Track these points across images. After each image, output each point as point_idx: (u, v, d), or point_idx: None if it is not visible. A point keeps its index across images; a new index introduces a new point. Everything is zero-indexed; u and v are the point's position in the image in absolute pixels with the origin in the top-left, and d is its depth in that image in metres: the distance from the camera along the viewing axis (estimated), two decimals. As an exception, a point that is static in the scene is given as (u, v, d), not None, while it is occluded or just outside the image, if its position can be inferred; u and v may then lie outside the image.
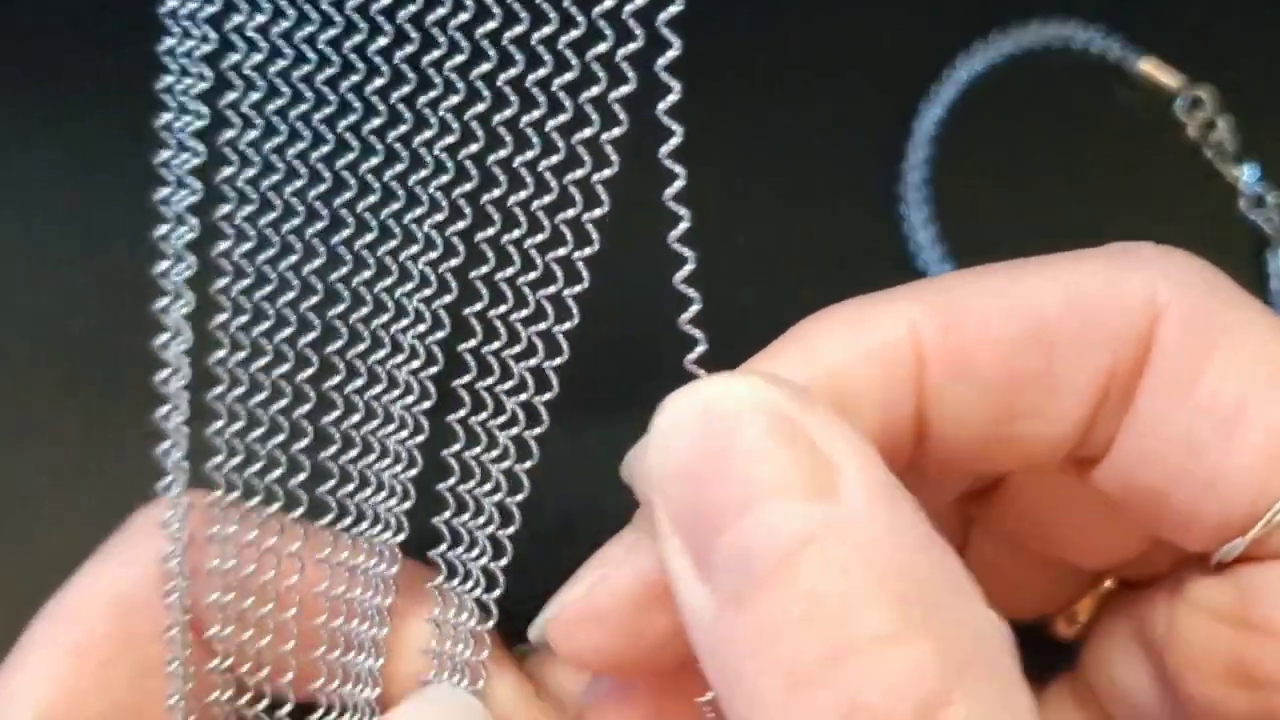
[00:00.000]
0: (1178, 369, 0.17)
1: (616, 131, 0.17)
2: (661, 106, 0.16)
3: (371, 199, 0.20)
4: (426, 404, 0.20)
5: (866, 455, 0.15)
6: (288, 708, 0.21)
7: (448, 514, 0.20)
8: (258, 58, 0.20)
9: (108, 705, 0.20)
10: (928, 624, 0.14)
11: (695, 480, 0.15)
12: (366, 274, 0.20)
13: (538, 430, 0.19)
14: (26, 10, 0.35)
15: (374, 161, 0.19)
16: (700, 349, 0.17)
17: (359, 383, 0.20)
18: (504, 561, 0.20)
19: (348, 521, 0.21)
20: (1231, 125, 0.32)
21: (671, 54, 0.16)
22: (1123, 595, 0.21)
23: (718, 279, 0.32)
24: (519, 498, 0.19)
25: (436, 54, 0.18)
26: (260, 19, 0.19)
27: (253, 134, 0.20)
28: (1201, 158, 0.33)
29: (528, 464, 0.19)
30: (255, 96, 0.20)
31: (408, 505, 0.20)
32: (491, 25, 0.18)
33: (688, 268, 0.17)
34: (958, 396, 0.17)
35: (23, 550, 0.31)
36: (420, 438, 0.20)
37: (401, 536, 0.21)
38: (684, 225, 0.17)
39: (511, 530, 0.20)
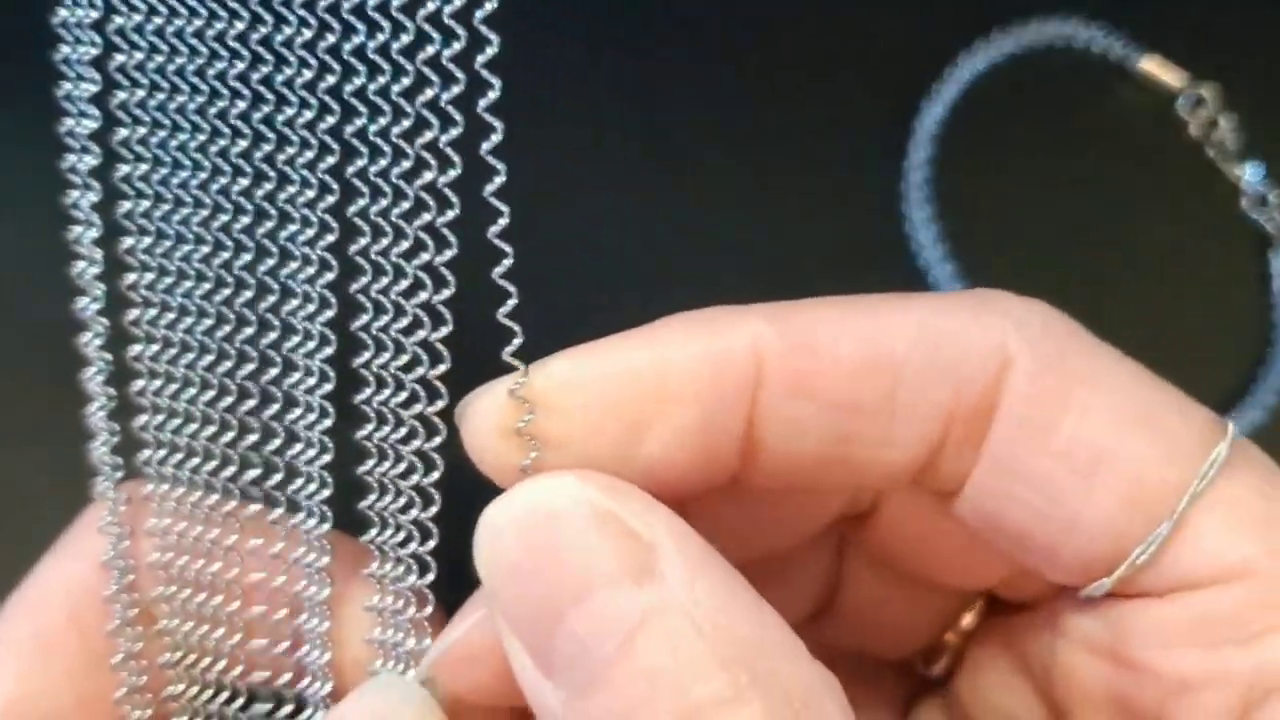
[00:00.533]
0: (1030, 415, 0.17)
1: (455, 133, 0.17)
2: (483, 103, 0.17)
3: (267, 188, 0.20)
4: (328, 387, 0.20)
5: (681, 531, 0.16)
6: (239, 701, 0.21)
7: (370, 500, 0.20)
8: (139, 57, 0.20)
9: (70, 698, 0.20)
10: (755, 685, 0.15)
11: (524, 581, 0.16)
12: (268, 260, 0.20)
13: (439, 406, 0.19)
14: (26, 9, 0.35)
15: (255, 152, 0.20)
16: (517, 341, 0.17)
17: (272, 372, 0.20)
18: (431, 545, 0.19)
19: (277, 513, 0.21)
20: (1234, 124, 0.32)
21: (491, 51, 0.16)
22: (1002, 624, 0.21)
23: (719, 278, 0.32)
24: (433, 477, 0.19)
25: (287, 72, 0.19)
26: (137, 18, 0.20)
27: (143, 130, 0.20)
28: (1204, 157, 0.33)
29: (436, 441, 0.19)
30: (141, 94, 0.20)
31: (327, 493, 0.20)
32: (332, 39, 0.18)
33: (506, 262, 0.17)
34: (794, 413, 0.17)
35: (23, 550, 0.31)
36: (327, 422, 0.20)
37: (326, 526, 0.20)
38: (503, 221, 0.17)
39: (433, 512, 0.19)
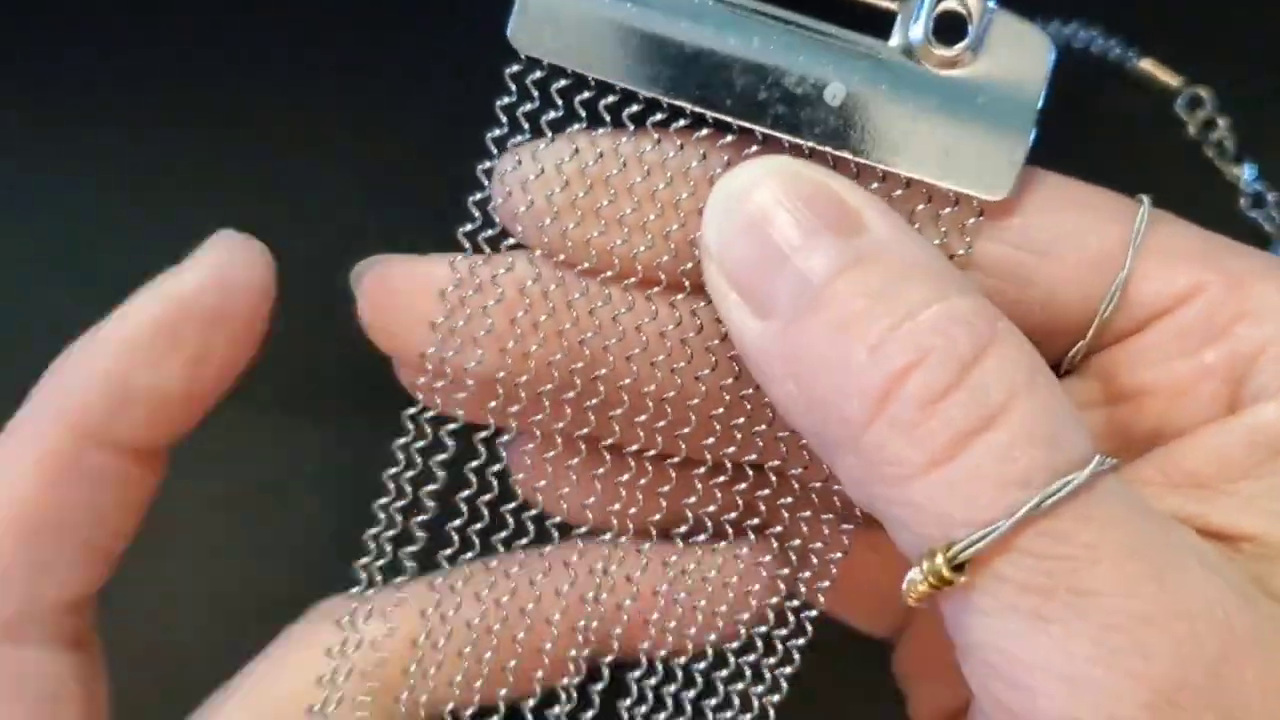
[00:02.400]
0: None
1: None
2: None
3: None
4: None
5: (881, 205, 0.19)
6: None
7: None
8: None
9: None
10: (963, 289, 0.18)
11: (753, 234, 0.19)
12: None
13: None
14: (27, 9, 0.35)
15: None
16: None
17: None
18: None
19: None
20: (1231, 124, 0.33)
21: None
22: None
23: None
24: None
25: None
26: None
27: None
28: (1201, 157, 0.33)
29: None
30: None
31: None
32: None
33: None
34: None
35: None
36: None
37: None
38: None
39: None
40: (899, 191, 0.20)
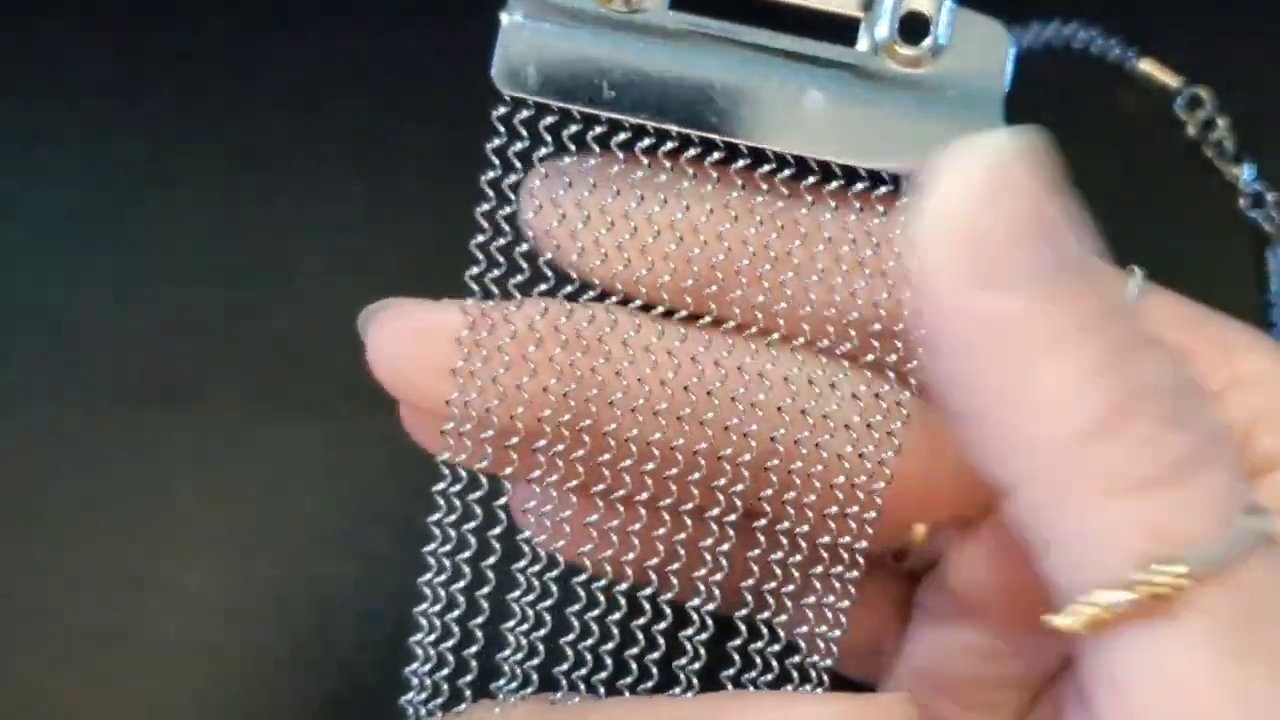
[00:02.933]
0: None
1: None
2: None
3: None
4: None
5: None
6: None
7: None
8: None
9: None
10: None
11: (1009, 203, 0.17)
12: None
13: None
14: (27, 8, 0.35)
15: None
16: None
17: None
18: None
19: None
20: (1230, 124, 0.33)
21: None
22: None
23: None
24: None
25: None
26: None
27: None
28: (1201, 157, 0.33)
29: None
30: None
31: None
32: None
33: None
34: None
35: (32, 547, 0.31)
36: None
37: None
38: None
39: None
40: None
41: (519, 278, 0.20)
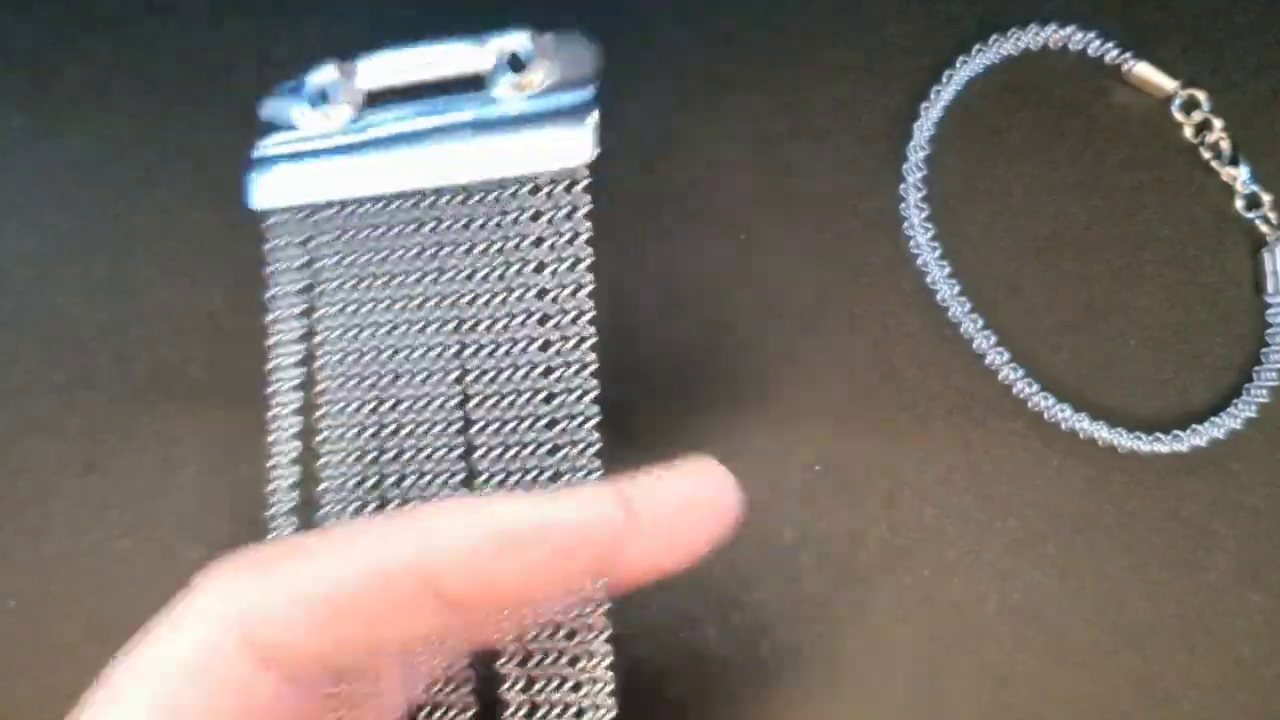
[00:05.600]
0: None
1: None
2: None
3: None
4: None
5: None
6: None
7: None
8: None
9: None
10: None
11: None
12: None
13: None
14: (28, 9, 0.35)
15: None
16: None
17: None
18: None
19: None
20: (1226, 126, 0.33)
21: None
22: None
23: (715, 274, 0.32)
24: None
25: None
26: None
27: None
28: (1198, 158, 0.33)
29: None
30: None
31: None
32: None
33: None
34: None
35: (38, 546, 0.31)
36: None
37: None
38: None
39: None
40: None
41: None
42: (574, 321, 0.25)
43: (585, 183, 0.26)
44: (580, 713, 0.23)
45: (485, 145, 0.26)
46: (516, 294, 0.26)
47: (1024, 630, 0.29)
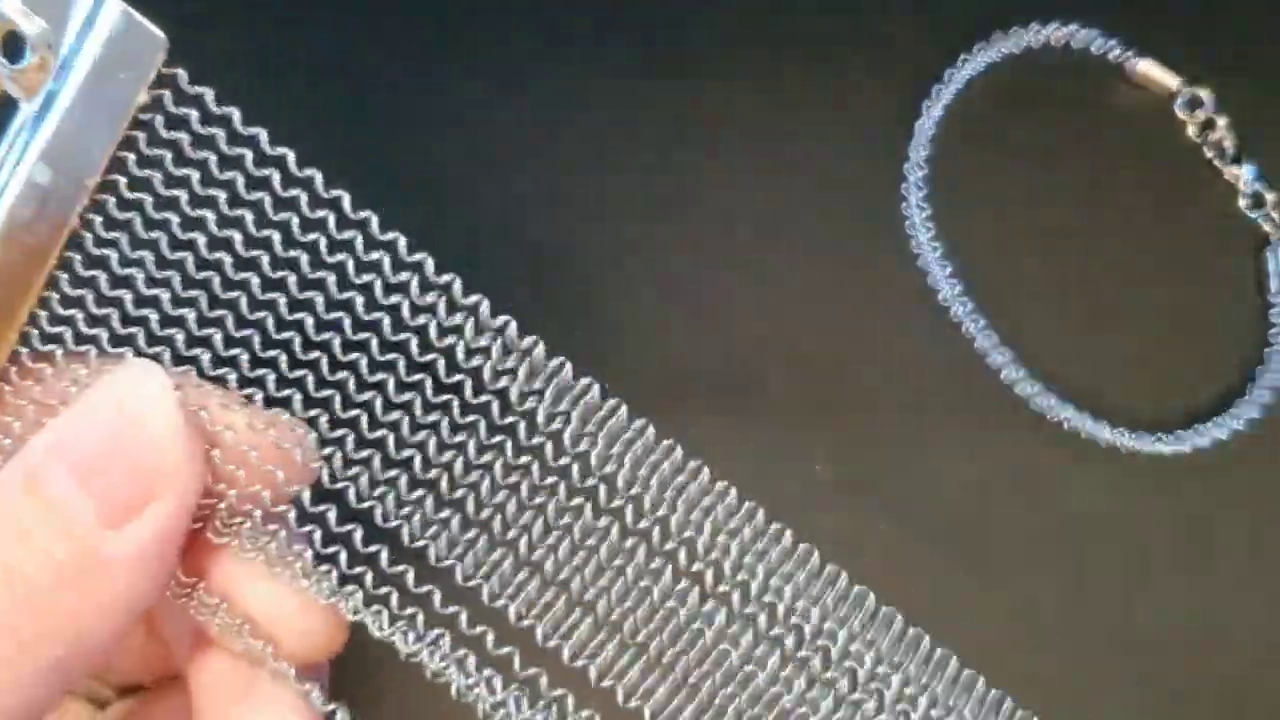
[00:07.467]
0: None
1: None
2: None
3: None
4: None
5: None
6: None
7: None
8: None
9: None
10: None
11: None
12: None
13: None
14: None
15: None
16: None
17: None
18: None
19: None
20: (1230, 124, 0.33)
21: None
22: None
23: (718, 277, 0.32)
24: None
25: None
26: None
27: None
28: (1201, 157, 0.33)
29: None
30: None
31: None
32: None
33: None
34: None
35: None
36: None
37: None
38: None
39: None
40: None
41: None
42: None
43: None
44: None
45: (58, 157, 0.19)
46: None
47: (1026, 630, 0.29)
